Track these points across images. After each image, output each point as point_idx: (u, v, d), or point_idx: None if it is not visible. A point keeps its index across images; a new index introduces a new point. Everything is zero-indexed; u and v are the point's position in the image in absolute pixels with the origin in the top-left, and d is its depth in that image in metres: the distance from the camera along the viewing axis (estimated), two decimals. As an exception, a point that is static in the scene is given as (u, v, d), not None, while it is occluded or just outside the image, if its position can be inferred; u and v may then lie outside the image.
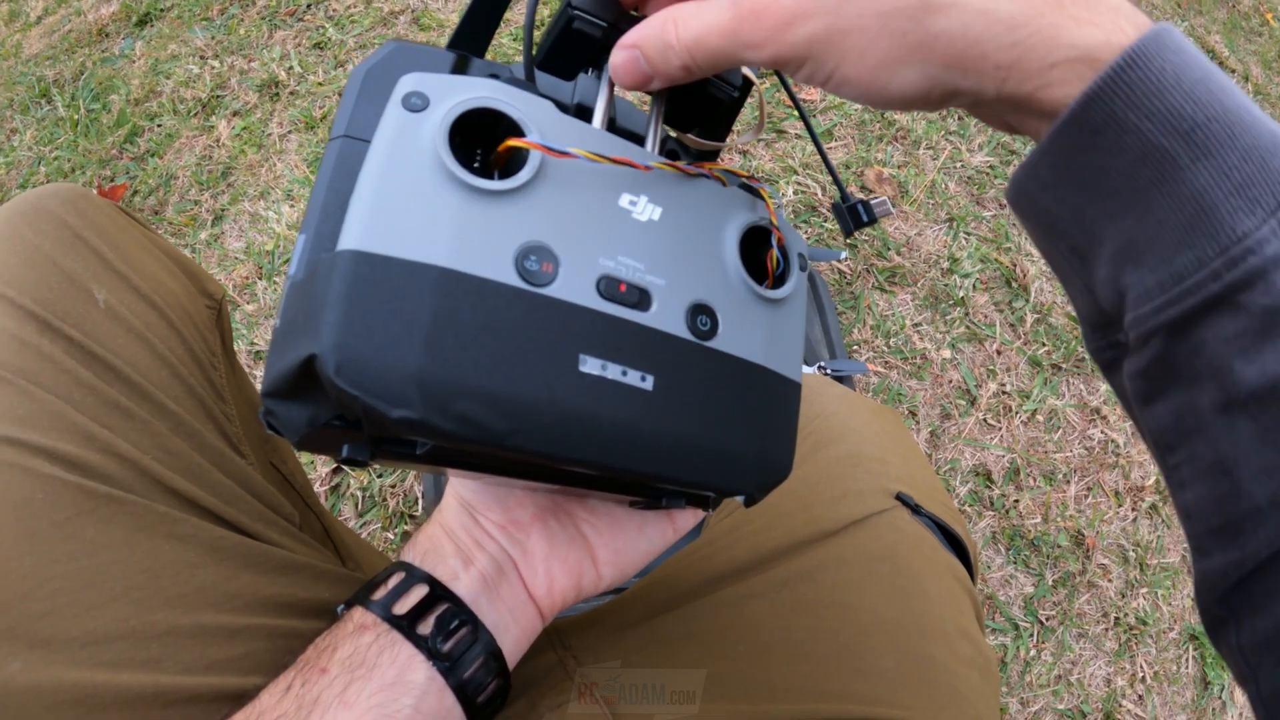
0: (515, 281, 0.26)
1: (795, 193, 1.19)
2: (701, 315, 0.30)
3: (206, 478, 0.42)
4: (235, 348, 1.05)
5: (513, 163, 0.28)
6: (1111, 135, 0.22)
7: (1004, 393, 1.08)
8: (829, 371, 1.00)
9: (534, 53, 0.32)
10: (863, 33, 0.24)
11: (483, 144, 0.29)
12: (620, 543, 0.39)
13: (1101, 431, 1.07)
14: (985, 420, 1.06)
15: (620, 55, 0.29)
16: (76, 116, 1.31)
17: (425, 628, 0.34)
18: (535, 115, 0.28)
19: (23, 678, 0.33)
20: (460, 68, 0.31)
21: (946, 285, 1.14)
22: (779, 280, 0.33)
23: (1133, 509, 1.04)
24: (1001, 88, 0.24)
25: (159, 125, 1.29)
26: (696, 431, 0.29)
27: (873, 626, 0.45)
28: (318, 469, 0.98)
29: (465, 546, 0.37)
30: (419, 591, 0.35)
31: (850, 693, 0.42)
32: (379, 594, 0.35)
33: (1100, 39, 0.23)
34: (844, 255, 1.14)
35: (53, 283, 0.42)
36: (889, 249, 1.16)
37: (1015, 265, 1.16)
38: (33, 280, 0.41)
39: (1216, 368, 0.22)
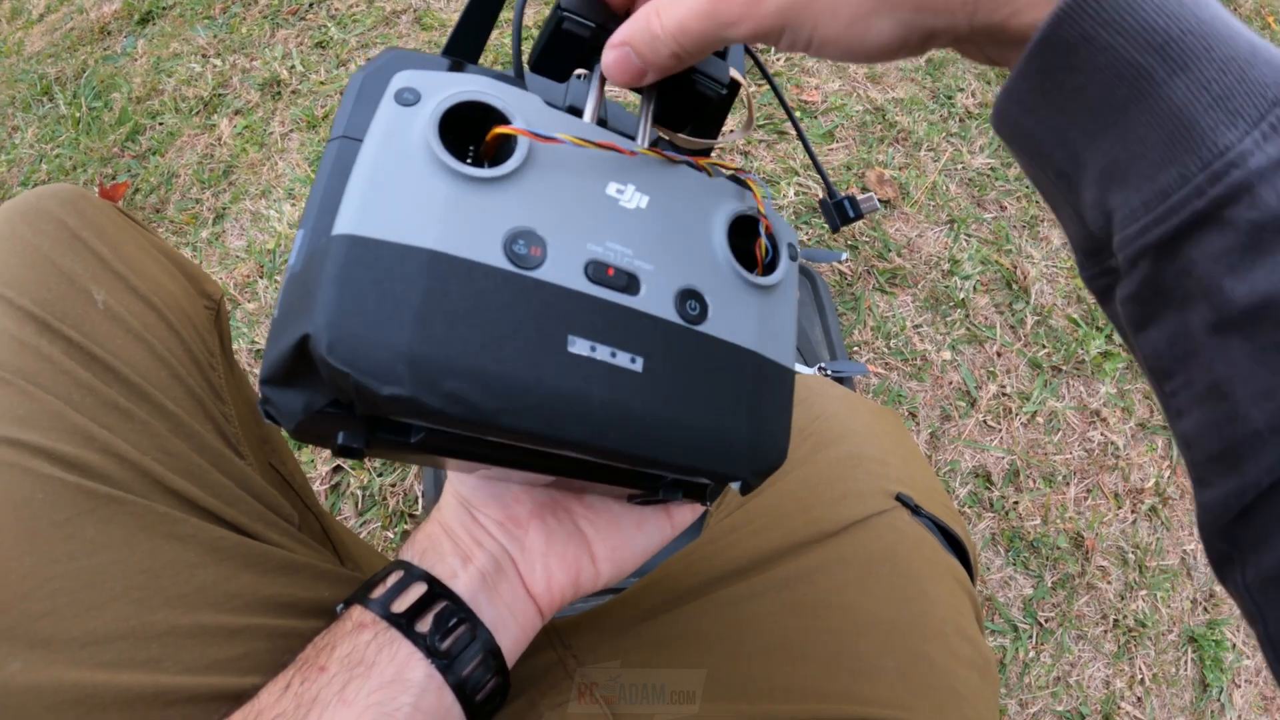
0: (504, 264, 0.27)
1: (796, 193, 1.19)
2: (691, 300, 0.31)
3: (206, 478, 0.42)
4: (237, 346, 1.06)
5: (502, 153, 0.29)
6: (1085, 54, 0.22)
7: (1004, 394, 1.08)
8: (829, 373, 1.00)
9: (525, 54, 0.33)
10: None
11: (475, 140, 0.30)
12: (618, 539, 0.39)
13: (1101, 434, 1.07)
14: (985, 422, 1.06)
15: (611, 54, 0.29)
16: (78, 114, 1.31)
17: (423, 626, 0.34)
18: (522, 107, 0.29)
19: (23, 678, 0.34)
20: (455, 71, 0.32)
21: (947, 287, 1.14)
22: (769, 268, 0.34)
23: (1132, 511, 1.04)
24: (974, 20, 0.24)
25: (161, 123, 1.29)
26: (688, 413, 0.30)
27: (872, 627, 0.45)
28: (318, 468, 0.98)
29: (464, 544, 0.37)
30: (417, 590, 0.35)
31: (850, 693, 0.42)
32: (378, 592, 0.35)
33: None
34: (845, 256, 1.14)
35: (52, 283, 0.42)
36: (890, 250, 1.16)
37: (1016, 267, 1.16)
38: (32, 281, 0.41)
39: (1207, 287, 0.21)
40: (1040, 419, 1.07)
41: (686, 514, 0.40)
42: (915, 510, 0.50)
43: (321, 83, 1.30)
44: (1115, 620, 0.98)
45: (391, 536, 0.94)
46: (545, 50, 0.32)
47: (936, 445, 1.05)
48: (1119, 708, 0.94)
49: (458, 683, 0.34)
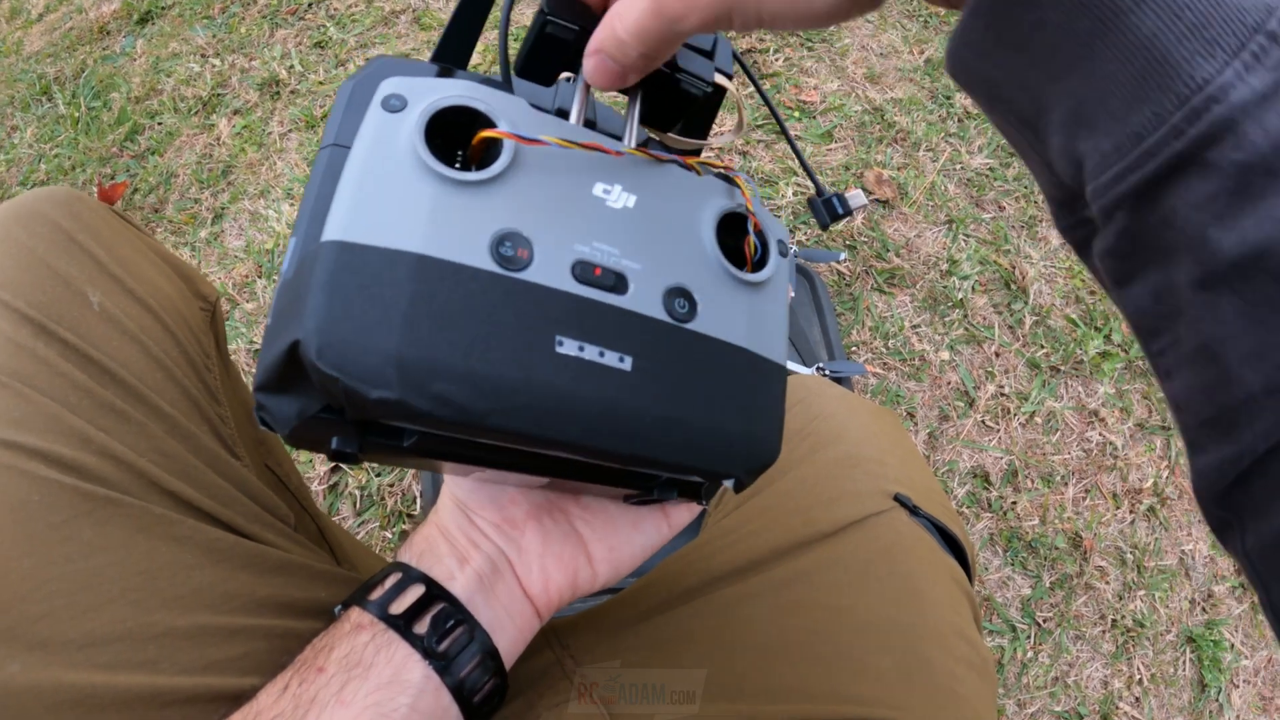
0: (491, 266, 0.27)
1: (794, 194, 1.19)
2: (679, 298, 0.31)
3: (202, 479, 0.42)
4: (236, 346, 1.06)
5: (489, 157, 0.29)
6: None
7: (1002, 395, 1.08)
8: (827, 373, 1.00)
9: (512, 59, 0.33)
10: None
11: (463, 144, 0.30)
12: (615, 539, 0.39)
13: (1100, 434, 1.07)
14: (983, 422, 1.06)
15: (590, 62, 0.30)
16: (77, 114, 1.31)
17: (421, 627, 0.34)
18: (508, 110, 0.29)
19: (21, 679, 0.34)
20: (442, 77, 0.32)
21: (945, 287, 1.14)
22: (758, 265, 0.34)
23: (1130, 511, 1.04)
24: None
25: (159, 123, 1.29)
26: (678, 411, 0.30)
27: (870, 627, 0.45)
28: (316, 468, 0.98)
29: (461, 546, 0.38)
30: (415, 591, 0.35)
31: (848, 693, 0.43)
32: (376, 594, 0.35)
33: None
34: (843, 256, 1.14)
35: (47, 286, 0.42)
36: (888, 250, 1.16)
37: (1014, 267, 1.16)
38: (27, 283, 0.42)
39: (1191, 238, 0.19)
40: (1038, 419, 1.07)
41: (683, 514, 0.40)
42: (913, 511, 0.50)
43: (320, 83, 1.30)
44: (1113, 620, 0.98)
45: (389, 536, 0.95)
46: (530, 54, 0.32)
47: (935, 445, 1.05)
48: (1117, 708, 0.94)
49: (455, 684, 0.34)
